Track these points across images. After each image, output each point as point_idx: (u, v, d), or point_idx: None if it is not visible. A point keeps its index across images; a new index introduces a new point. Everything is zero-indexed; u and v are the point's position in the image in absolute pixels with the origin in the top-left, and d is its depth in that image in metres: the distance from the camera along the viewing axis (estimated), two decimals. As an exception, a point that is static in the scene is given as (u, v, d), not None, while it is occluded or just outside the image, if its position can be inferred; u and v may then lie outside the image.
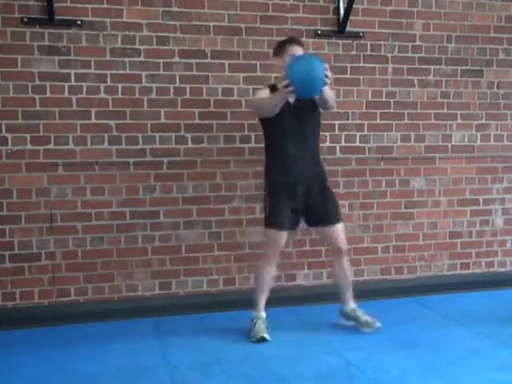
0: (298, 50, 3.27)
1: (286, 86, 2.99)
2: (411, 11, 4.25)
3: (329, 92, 3.18)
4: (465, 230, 4.48)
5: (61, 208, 3.72)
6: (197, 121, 3.90)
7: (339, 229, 3.42)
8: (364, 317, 3.44)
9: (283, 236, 3.34)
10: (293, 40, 3.37)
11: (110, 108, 3.76)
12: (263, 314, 3.40)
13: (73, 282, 3.77)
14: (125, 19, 3.75)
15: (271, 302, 3.48)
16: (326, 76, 3.00)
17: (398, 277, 4.33)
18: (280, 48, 3.34)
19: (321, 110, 3.40)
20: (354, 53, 4.15)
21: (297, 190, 3.29)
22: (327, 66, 3.05)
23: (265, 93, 3.34)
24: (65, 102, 3.69)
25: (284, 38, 3.49)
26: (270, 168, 3.39)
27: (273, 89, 3.35)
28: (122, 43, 3.75)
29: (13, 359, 3.08)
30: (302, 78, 2.95)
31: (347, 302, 3.51)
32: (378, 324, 3.41)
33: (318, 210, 3.35)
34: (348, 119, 4.17)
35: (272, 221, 3.31)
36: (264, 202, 3.41)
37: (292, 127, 3.27)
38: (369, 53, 4.19)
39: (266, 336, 3.28)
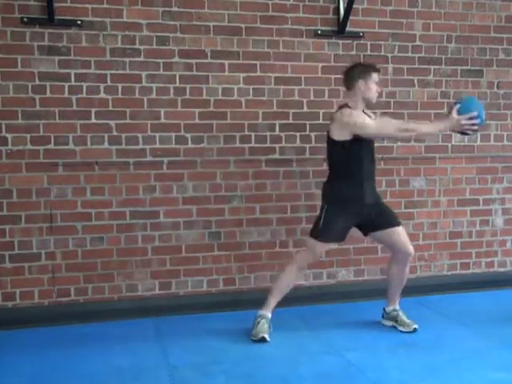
0: (377, 78, 3.41)
1: (471, 123, 3.24)
2: (411, 11, 4.25)
3: None
4: (465, 229, 4.48)
5: (61, 208, 3.72)
6: (197, 121, 3.90)
7: (402, 230, 3.46)
8: (403, 317, 3.51)
9: (324, 249, 3.47)
10: (377, 69, 3.44)
11: (110, 108, 3.76)
12: (269, 315, 3.40)
13: (73, 282, 3.77)
14: (125, 19, 3.75)
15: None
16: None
17: (398, 277, 4.32)
18: (367, 73, 3.36)
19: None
20: (353, 53, 4.15)
21: (359, 209, 3.35)
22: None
23: (364, 116, 3.36)
24: (65, 102, 3.69)
25: (367, 63, 3.55)
26: (338, 183, 3.41)
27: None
28: (122, 43, 3.75)
29: (13, 359, 3.08)
30: (481, 116, 3.27)
31: (391, 302, 3.57)
32: (415, 325, 3.45)
33: (377, 218, 3.41)
34: (348, 119, 4.17)
35: (320, 233, 3.36)
36: (320, 213, 3.42)
37: (367, 150, 3.42)
38: (369, 53, 4.19)
39: (266, 336, 3.28)
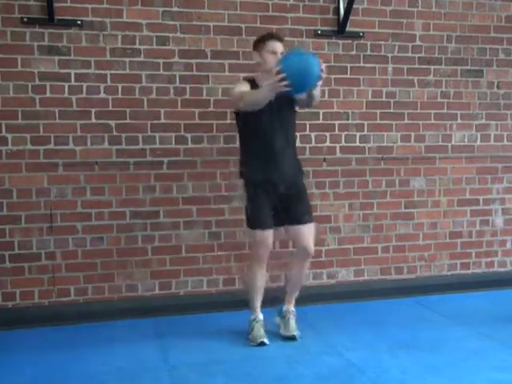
0: (277, 46, 3.23)
1: (281, 80, 2.88)
2: (411, 11, 4.25)
3: (318, 88, 3.14)
4: (465, 230, 4.48)
5: (61, 208, 3.72)
6: (197, 121, 3.90)
7: (309, 228, 3.32)
8: (291, 321, 3.38)
9: (263, 237, 3.23)
10: (272, 35, 3.29)
11: (110, 108, 3.76)
12: (261, 316, 3.38)
13: (73, 282, 3.76)
14: (125, 19, 3.74)
15: (271, 302, 3.48)
16: (322, 71, 2.98)
17: (398, 277, 4.33)
18: (259, 43, 3.27)
19: (298, 107, 3.36)
20: (353, 53, 4.15)
21: (273, 187, 3.22)
22: (321, 61, 3.05)
23: (245, 86, 3.24)
24: (65, 102, 3.69)
25: (265, 33, 3.41)
26: (245, 165, 3.31)
27: (252, 83, 3.27)
28: (122, 43, 3.75)
29: (13, 359, 3.08)
30: (299, 72, 2.90)
31: (287, 303, 3.46)
32: (297, 334, 3.32)
33: (290, 208, 3.27)
34: (348, 119, 4.17)
35: (248, 220, 3.28)
36: (244, 201, 3.34)
37: (270, 123, 3.18)
38: (369, 53, 4.19)
39: (265, 340, 3.26)
